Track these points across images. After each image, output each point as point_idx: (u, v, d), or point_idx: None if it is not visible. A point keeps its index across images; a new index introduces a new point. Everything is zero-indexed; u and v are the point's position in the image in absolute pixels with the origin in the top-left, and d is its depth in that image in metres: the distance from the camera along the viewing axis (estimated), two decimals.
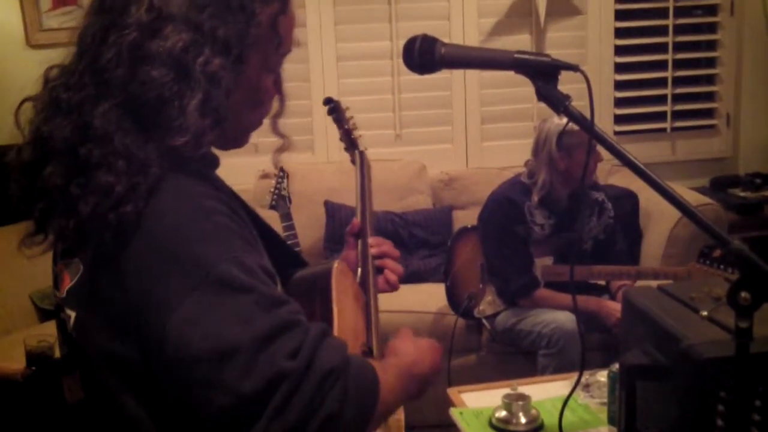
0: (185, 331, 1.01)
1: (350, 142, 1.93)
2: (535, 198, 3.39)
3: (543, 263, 3.43)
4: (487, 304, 3.54)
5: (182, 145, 1.08)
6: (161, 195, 1.07)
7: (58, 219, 1.10)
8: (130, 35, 1.09)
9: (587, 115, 1.25)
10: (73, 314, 1.16)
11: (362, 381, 1.10)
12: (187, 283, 1.03)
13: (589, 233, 3.50)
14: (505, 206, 3.43)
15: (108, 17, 1.12)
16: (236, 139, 1.25)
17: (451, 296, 3.65)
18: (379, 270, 1.68)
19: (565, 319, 3.28)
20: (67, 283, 1.16)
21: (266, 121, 1.30)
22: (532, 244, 3.42)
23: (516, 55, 1.27)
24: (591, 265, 3.36)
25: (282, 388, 1.00)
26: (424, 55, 1.32)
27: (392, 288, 1.69)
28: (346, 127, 1.93)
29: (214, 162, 1.25)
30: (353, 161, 1.91)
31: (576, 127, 1.26)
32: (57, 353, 1.33)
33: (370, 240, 1.68)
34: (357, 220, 1.71)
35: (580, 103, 1.22)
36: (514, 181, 3.52)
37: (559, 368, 3.20)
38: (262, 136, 1.27)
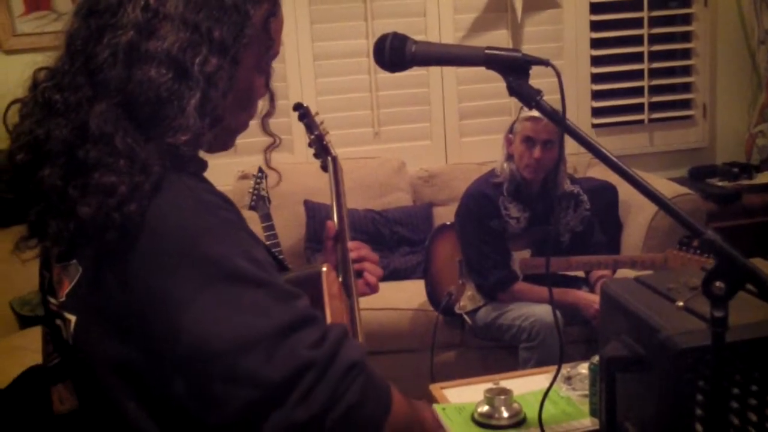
0: (203, 327, 1.01)
1: (322, 148, 1.91)
2: (504, 189, 3.41)
3: (521, 257, 3.44)
4: (468, 299, 3.54)
5: (183, 143, 1.07)
6: (164, 193, 1.05)
7: (56, 221, 1.08)
8: (126, 35, 1.07)
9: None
10: (73, 318, 1.14)
11: (380, 382, 1.11)
12: (200, 280, 1.02)
13: (566, 226, 3.51)
14: (479, 201, 3.44)
15: (100, 19, 1.11)
16: (225, 142, 1.24)
17: (432, 293, 3.65)
18: (359, 274, 1.68)
19: (544, 312, 3.29)
20: (66, 286, 1.14)
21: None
22: (509, 238, 3.43)
23: (486, 51, 1.27)
24: (568, 257, 3.37)
25: (308, 376, 1.01)
26: (394, 53, 1.32)
27: (372, 290, 1.70)
28: (317, 132, 1.91)
29: (204, 166, 1.23)
30: (324, 167, 1.89)
31: (534, 114, 1.26)
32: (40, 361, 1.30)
33: (349, 244, 1.68)
34: (331, 222, 1.71)
35: (554, 97, 1.23)
36: (488, 176, 3.52)
37: (540, 361, 3.21)
38: (241, 137, 1.27)
